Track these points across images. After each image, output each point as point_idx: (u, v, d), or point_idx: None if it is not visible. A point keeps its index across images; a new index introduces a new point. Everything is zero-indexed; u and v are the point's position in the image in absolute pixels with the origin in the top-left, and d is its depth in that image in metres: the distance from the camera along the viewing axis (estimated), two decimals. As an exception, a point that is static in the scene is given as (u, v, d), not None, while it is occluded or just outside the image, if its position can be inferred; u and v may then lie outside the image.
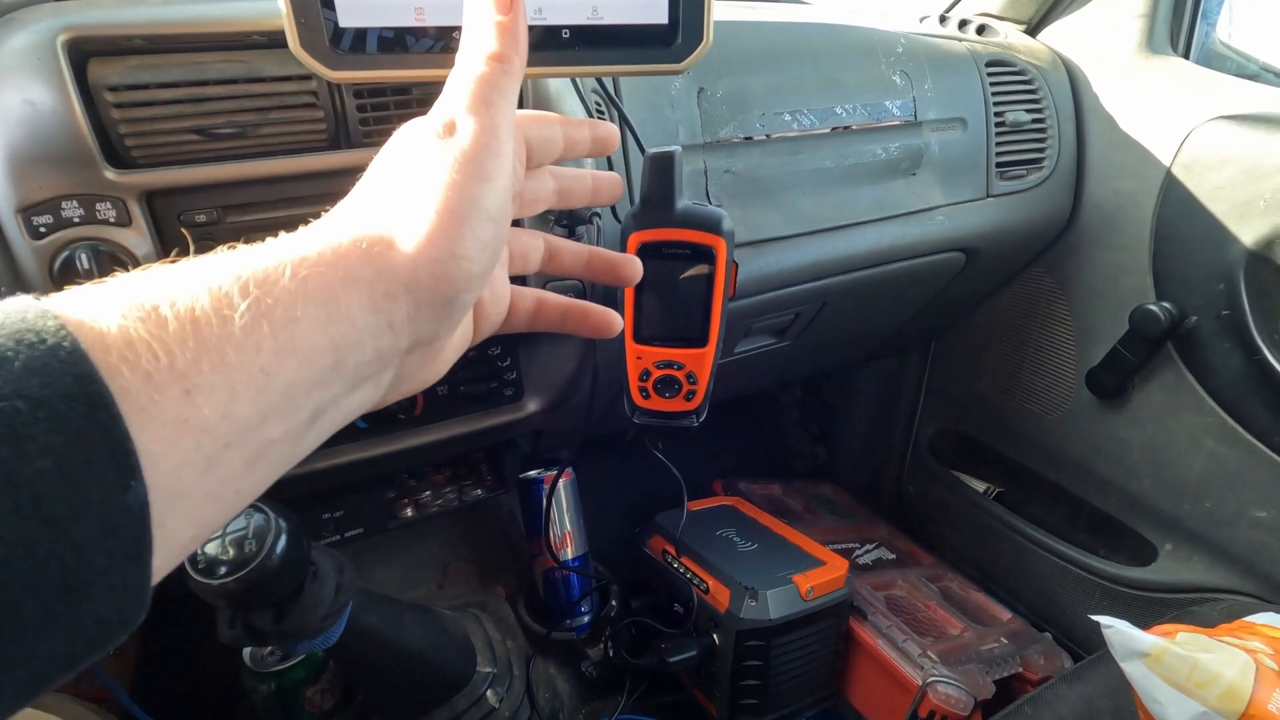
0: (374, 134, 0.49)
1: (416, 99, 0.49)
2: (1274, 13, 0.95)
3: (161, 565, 0.19)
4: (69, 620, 0.16)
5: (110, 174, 0.42)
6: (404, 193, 0.26)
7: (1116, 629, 0.52)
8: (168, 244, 0.45)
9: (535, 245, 0.34)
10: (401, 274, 0.24)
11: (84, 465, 0.16)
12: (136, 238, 0.44)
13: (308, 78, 0.46)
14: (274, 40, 0.45)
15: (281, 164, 0.47)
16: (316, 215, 0.49)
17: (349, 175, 0.49)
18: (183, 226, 0.45)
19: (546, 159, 0.32)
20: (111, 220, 0.43)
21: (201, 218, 0.46)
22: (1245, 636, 0.53)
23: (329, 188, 0.49)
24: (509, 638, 0.78)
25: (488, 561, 0.94)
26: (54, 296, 0.19)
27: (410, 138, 0.28)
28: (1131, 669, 0.51)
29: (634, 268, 0.35)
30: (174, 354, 0.19)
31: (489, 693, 0.71)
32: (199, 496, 0.19)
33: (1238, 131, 0.77)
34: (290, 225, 0.47)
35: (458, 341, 0.30)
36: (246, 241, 0.48)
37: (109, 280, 0.20)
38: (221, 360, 0.19)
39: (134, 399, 0.18)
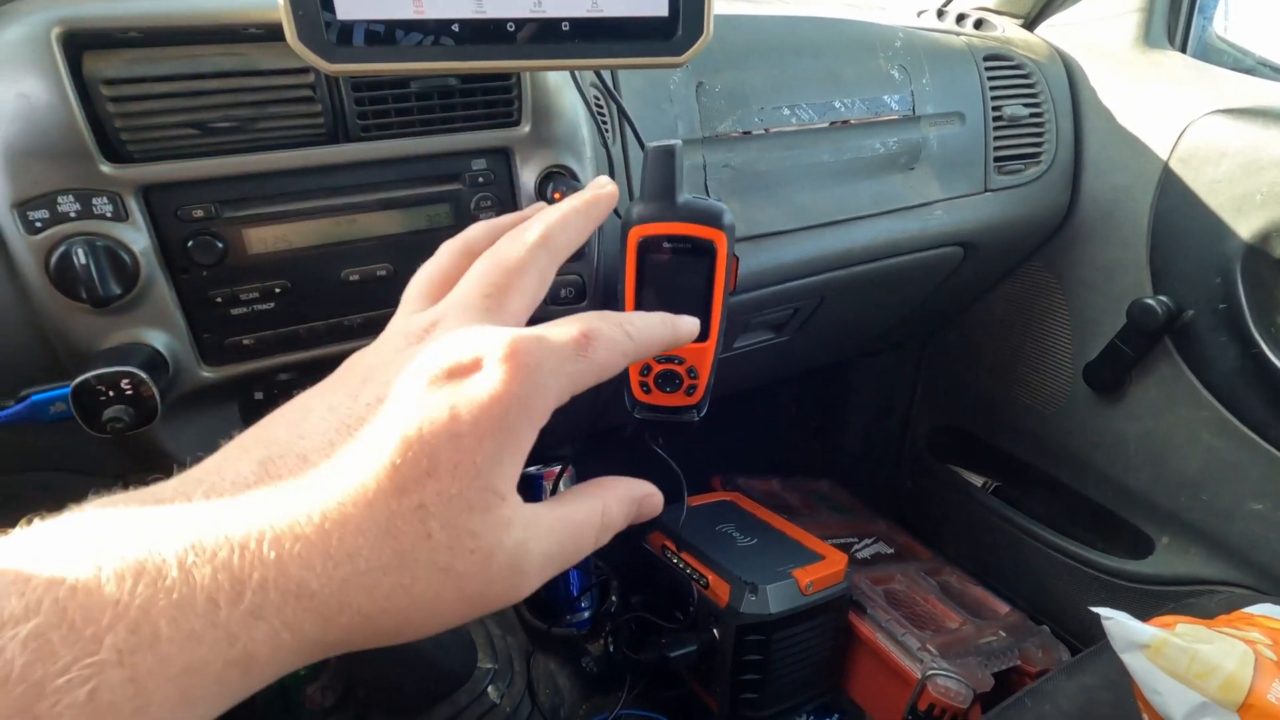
0: (372, 127, 0.49)
1: (415, 93, 0.49)
2: (1270, 7, 0.95)
3: None
4: None
5: (106, 168, 0.42)
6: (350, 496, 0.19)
7: (1117, 621, 0.52)
8: (164, 239, 0.45)
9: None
10: (310, 631, 0.18)
11: None
12: (134, 232, 0.43)
13: (305, 71, 0.45)
14: (271, 33, 0.45)
15: (279, 158, 0.46)
16: (313, 210, 0.49)
17: (347, 169, 0.49)
18: (179, 220, 0.45)
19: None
20: (108, 215, 0.42)
21: (199, 212, 0.45)
22: (1244, 628, 0.54)
23: (327, 181, 0.49)
24: (510, 634, 0.78)
25: (487, 558, 0.94)
26: None
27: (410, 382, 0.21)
28: (1132, 660, 0.51)
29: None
30: None
31: (490, 689, 0.71)
32: None
33: (1235, 125, 0.77)
34: (287, 220, 0.47)
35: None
36: (246, 236, 0.47)
37: None
38: None
39: None
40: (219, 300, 0.47)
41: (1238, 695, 0.47)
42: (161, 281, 0.45)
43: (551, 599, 0.86)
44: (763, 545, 0.90)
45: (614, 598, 0.88)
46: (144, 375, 0.41)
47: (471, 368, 0.20)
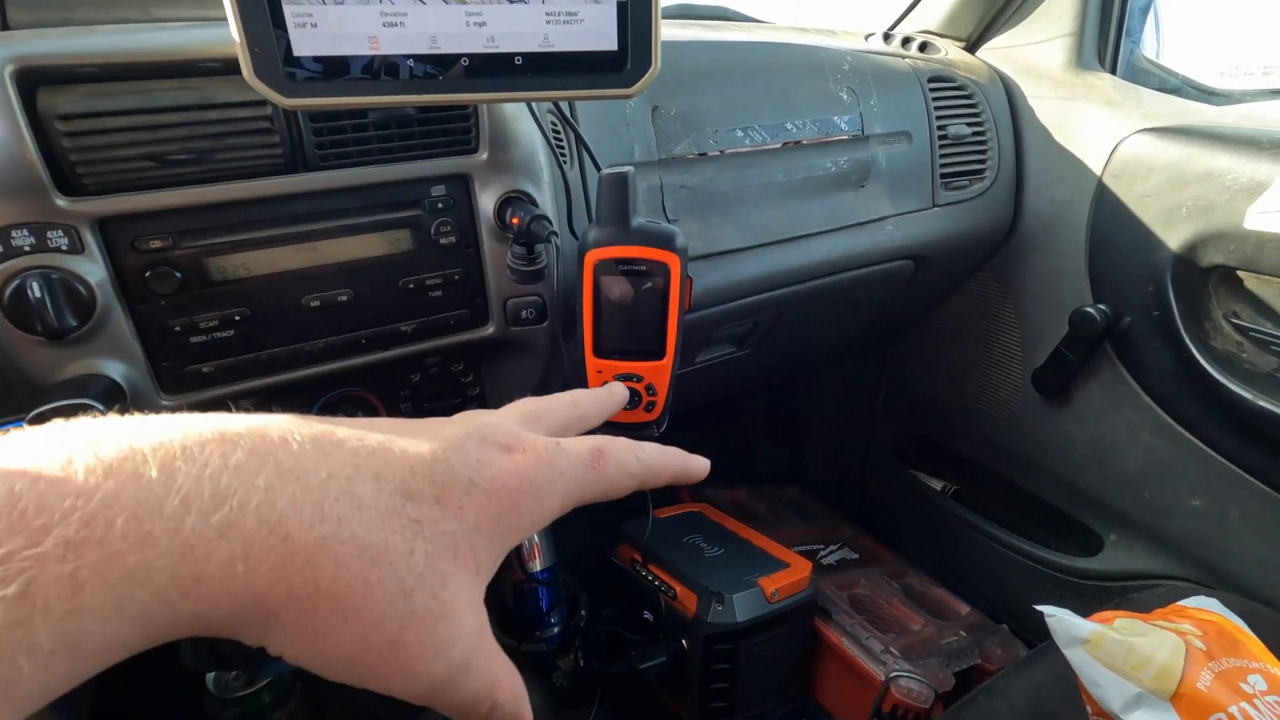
0: (331, 157, 0.49)
1: (374, 123, 0.50)
2: (1193, 33, 1.01)
3: None
4: None
5: (61, 202, 0.42)
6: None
7: (1059, 617, 0.54)
8: (121, 270, 0.45)
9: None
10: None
11: None
12: (90, 264, 0.43)
13: (262, 104, 0.46)
14: (228, 67, 0.45)
15: (238, 188, 0.47)
16: (273, 239, 0.50)
17: (306, 198, 0.50)
18: (137, 251, 0.45)
19: None
20: (64, 248, 0.43)
21: (157, 243, 0.46)
22: (1177, 620, 0.57)
23: (286, 210, 0.49)
24: (479, 652, 0.78)
25: (456, 576, 0.94)
26: None
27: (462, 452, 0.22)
28: (1073, 655, 0.53)
29: None
30: None
31: (459, 708, 0.71)
32: None
33: (1161, 143, 0.82)
34: (247, 248, 0.48)
35: None
36: (205, 265, 0.47)
37: None
38: None
39: None
40: (178, 329, 0.47)
41: (1170, 684, 0.49)
42: (119, 312, 0.45)
43: (521, 615, 0.87)
44: (729, 555, 0.92)
45: (583, 612, 0.89)
46: (100, 406, 0.41)
47: (506, 448, 0.23)
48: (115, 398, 0.44)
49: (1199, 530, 0.85)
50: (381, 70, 0.41)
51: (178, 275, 0.46)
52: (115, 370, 0.46)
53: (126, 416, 0.18)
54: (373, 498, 0.19)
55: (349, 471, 0.20)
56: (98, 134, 0.42)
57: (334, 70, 0.40)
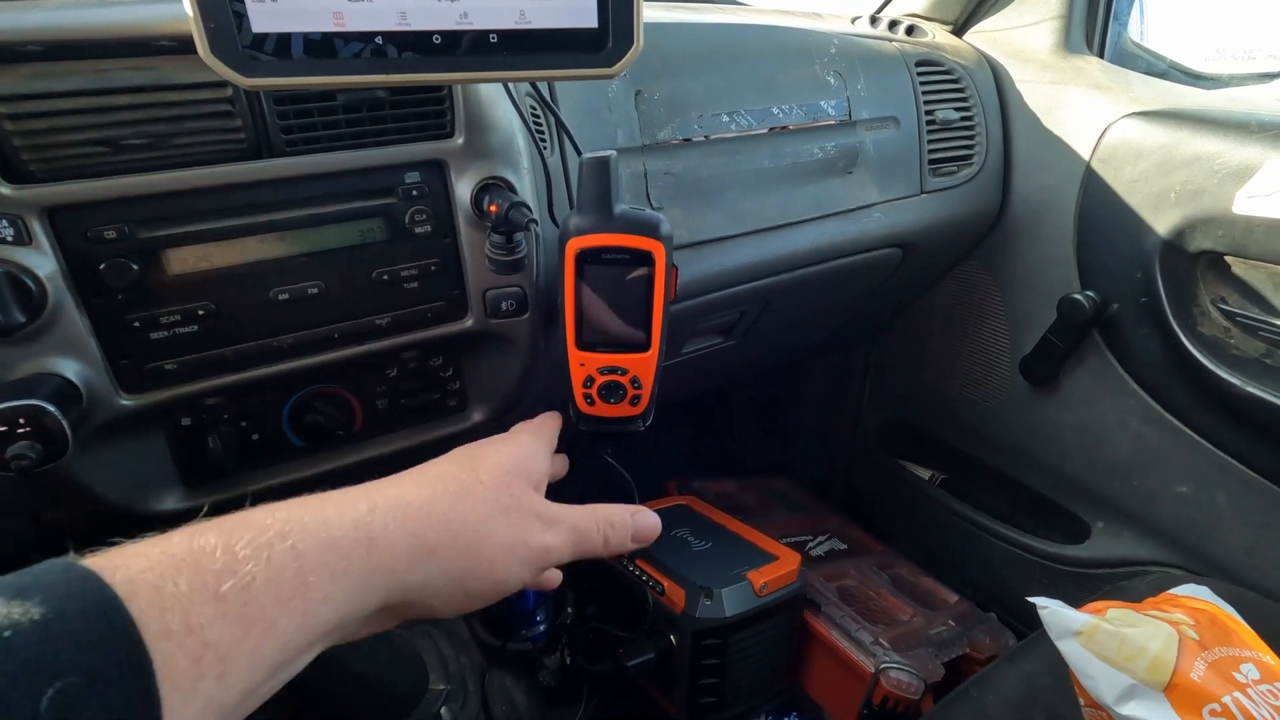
0: (298, 142, 0.47)
1: (342, 105, 0.48)
2: (1181, 16, 1.00)
3: None
4: None
5: (5, 189, 0.39)
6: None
7: (1051, 609, 0.53)
8: (74, 262, 0.42)
9: None
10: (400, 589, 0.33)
11: None
12: (39, 256, 0.41)
13: (222, 85, 0.43)
14: (184, 45, 0.43)
15: (197, 175, 0.44)
16: (237, 228, 0.47)
17: (272, 185, 0.48)
18: (90, 242, 0.43)
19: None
20: (9, 239, 0.40)
21: (111, 233, 0.43)
22: (1169, 609, 0.56)
23: (251, 198, 0.47)
24: (462, 653, 0.77)
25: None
26: (103, 559, 0.23)
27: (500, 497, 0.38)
28: (1066, 647, 0.53)
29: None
30: (219, 642, 0.22)
31: (443, 710, 0.70)
32: None
33: (1149, 127, 0.81)
34: (209, 239, 0.46)
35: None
36: (164, 257, 0.45)
37: (169, 539, 0.25)
38: (267, 631, 0.24)
39: (178, 685, 0.21)
40: (136, 324, 0.45)
41: (1164, 675, 0.49)
42: (71, 307, 0.42)
43: (506, 614, 0.85)
44: (717, 548, 0.90)
45: (570, 609, 0.87)
46: (50, 407, 0.39)
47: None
48: (69, 398, 0.42)
49: (1186, 516, 0.85)
50: (347, 48, 0.38)
51: (135, 267, 0.44)
52: (69, 369, 0.43)
53: (321, 496, 0.32)
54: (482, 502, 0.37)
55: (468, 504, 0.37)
56: (44, 117, 0.40)
57: (296, 48, 0.37)
